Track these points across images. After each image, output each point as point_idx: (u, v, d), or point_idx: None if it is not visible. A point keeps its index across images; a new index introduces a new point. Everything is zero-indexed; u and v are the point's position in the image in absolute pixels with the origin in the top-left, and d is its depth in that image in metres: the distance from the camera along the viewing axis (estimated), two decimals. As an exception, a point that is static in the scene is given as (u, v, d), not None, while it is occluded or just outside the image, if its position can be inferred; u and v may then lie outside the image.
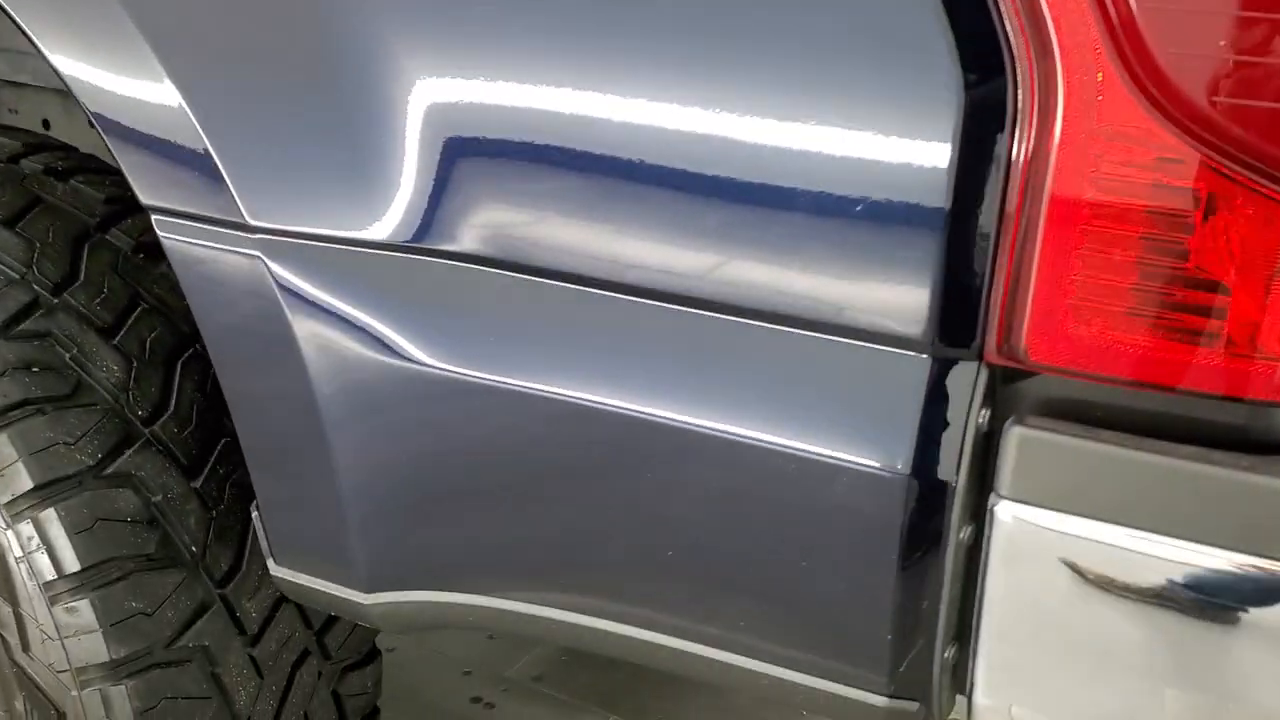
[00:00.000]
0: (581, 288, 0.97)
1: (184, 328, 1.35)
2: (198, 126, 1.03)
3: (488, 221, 0.98)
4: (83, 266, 1.32)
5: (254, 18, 1.02)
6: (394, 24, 0.96)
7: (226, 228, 1.06)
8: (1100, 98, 0.76)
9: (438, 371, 1.02)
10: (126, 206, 1.43)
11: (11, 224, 1.31)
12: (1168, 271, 0.78)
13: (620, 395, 0.96)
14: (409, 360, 1.03)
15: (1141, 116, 0.76)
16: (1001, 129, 0.79)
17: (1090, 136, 0.77)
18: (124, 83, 1.06)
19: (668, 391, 0.95)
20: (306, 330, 1.05)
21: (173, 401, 1.30)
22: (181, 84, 1.03)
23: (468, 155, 0.97)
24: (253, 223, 1.04)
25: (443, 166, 0.98)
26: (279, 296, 1.04)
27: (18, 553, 1.18)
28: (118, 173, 1.50)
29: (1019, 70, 0.78)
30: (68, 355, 1.25)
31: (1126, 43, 0.75)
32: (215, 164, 1.04)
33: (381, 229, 1.01)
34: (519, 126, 0.94)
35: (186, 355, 1.34)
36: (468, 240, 0.99)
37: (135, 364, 1.28)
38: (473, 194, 0.98)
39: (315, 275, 1.04)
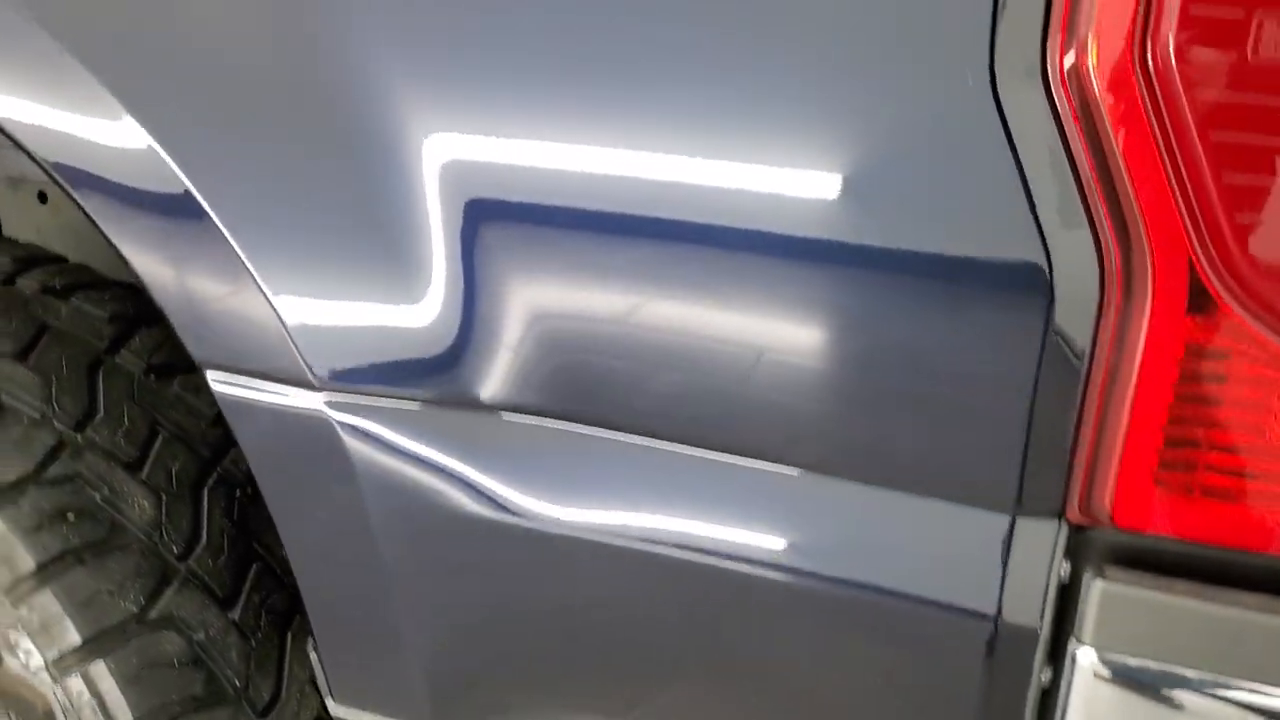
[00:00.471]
0: (664, 444, 1.00)
1: (204, 452, 1.34)
2: (263, 286, 1.03)
3: (561, 380, 1.00)
4: (100, 397, 1.29)
5: (321, 182, 1.02)
6: (470, 193, 0.98)
7: (291, 385, 1.05)
8: (1187, 288, 0.82)
9: (506, 522, 1.04)
10: (130, 324, 1.40)
11: (23, 357, 1.27)
12: (1245, 447, 0.84)
13: (712, 548, 0.99)
14: (475, 512, 1.04)
15: (1225, 308, 0.82)
16: (1090, 311, 0.85)
17: (1176, 323, 0.83)
18: (182, 246, 1.04)
19: (759, 544, 0.99)
20: (373, 484, 1.06)
21: (204, 533, 1.29)
22: (246, 247, 1.02)
23: (534, 314, 0.99)
24: (319, 382, 1.04)
25: (510, 324, 1.00)
26: (347, 453, 1.05)
27: (65, 707, 1.16)
28: (114, 285, 1.47)
29: (1108, 259, 0.83)
30: (99, 496, 1.22)
31: (1211, 242, 0.81)
32: (281, 324, 1.03)
33: (450, 387, 1.02)
34: (588, 291, 0.97)
35: (211, 482, 1.32)
36: (536, 396, 1.01)
37: (164, 498, 1.27)
38: (541, 351, 1.00)
39: (383, 432, 1.05)
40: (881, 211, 0.87)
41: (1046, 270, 0.84)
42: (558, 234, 0.95)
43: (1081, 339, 0.86)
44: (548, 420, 1.03)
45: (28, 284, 1.38)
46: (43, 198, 1.92)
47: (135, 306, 1.42)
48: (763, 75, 0.87)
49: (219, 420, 1.38)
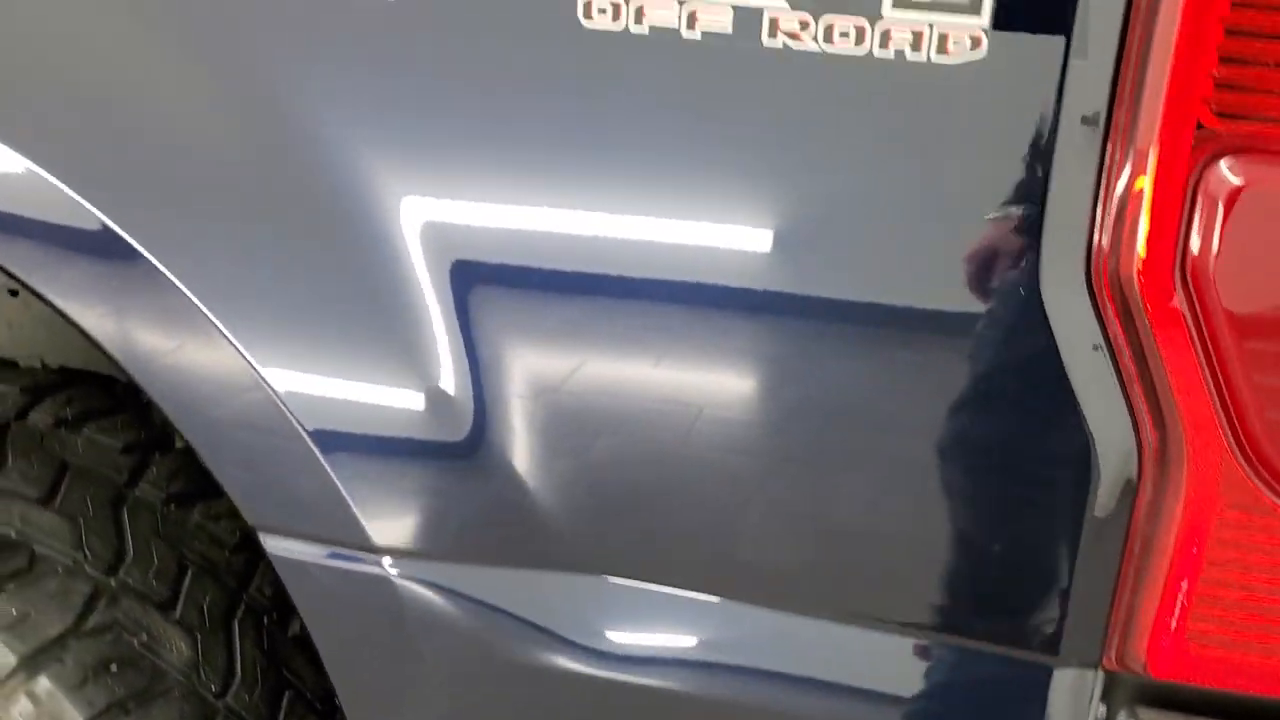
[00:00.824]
0: (717, 598, 1.05)
1: (230, 583, 1.35)
2: (319, 455, 1.05)
3: (622, 541, 1.05)
4: (128, 536, 1.30)
5: (367, 345, 1.04)
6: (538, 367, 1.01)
7: (349, 548, 1.08)
8: (1219, 472, 0.90)
9: (569, 673, 1.08)
10: (144, 451, 1.41)
11: (48, 501, 1.28)
12: (1269, 608, 0.93)
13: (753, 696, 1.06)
14: (537, 664, 1.08)
15: (1253, 489, 0.90)
16: (1129, 487, 0.92)
17: (1208, 502, 0.91)
18: (242, 416, 1.06)
19: (809, 692, 1.05)
20: (431, 639, 1.09)
21: (239, 667, 1.30)
22: (304, 417, 1.04)
23: (579, 474, 1.03)
24: (378, 544, 1.07)
25: (564, 487, 1.04)
26: (412, 617, 1.08)
27: None
28: (120, 411, 1.47)
29: (1145, 443, 0.91)
30: (137, 642, 1.23)
31: (1242, 432, 0.88)
32: (338, 490, 1.06)
33: (516, 548, 1.06)
34: (639, 460, 1.02)
35: (240, 613, 1.34)
36: (593, 558, 1.06)
37: (199, 636, 1.28)
38: (593, 513, 1.04)
39: (449, 593, 1.08)
40: (937, 395, 0.94)
41: (1090, 451, 0.91)
42: (614, 406, 1.00)
43: (1120, 512, 0.93)
44: (650, 585, 1.07)
45: (41, 418, 1.38)
46: (14, 293, 1.89)
47: (146, 432, 1.43)
48: (824, 303, 0.93)
49: (240, 547, 1.40)
